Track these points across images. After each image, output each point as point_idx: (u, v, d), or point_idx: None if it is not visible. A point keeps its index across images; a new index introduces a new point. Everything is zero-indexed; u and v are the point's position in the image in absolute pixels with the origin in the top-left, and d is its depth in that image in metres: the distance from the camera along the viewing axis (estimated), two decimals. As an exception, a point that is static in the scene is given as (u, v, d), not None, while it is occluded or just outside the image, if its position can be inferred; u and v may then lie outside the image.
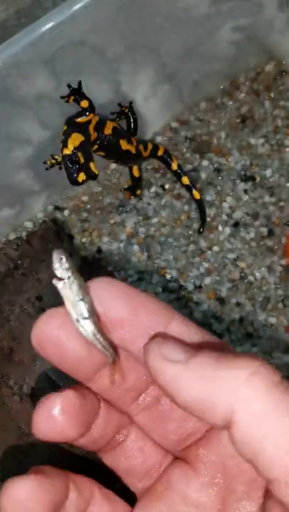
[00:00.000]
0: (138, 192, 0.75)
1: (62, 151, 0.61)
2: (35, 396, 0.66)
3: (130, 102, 0.72)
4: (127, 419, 0.30)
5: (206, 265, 0.73)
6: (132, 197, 0.75)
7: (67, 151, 0.60)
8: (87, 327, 0.26)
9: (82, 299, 0.26)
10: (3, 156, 0.69)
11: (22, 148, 0.71)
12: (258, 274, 0.72)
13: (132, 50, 0.70)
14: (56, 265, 0.27)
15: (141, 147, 0.71)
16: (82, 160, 0.59)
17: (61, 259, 0.27)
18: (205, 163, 0.76)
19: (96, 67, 0.69)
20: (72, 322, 0.26)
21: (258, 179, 0.75)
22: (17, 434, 0.64)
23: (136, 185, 0.75)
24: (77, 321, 0.26)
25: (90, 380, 0.29)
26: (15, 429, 0.65)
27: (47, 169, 0.70)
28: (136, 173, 0.73)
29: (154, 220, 0.74)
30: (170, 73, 0.75)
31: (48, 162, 0.70)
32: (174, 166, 0.73)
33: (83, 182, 0.60)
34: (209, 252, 0.73)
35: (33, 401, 0.65)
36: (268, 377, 0.23)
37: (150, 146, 0.72)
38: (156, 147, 0.73)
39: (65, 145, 0.61)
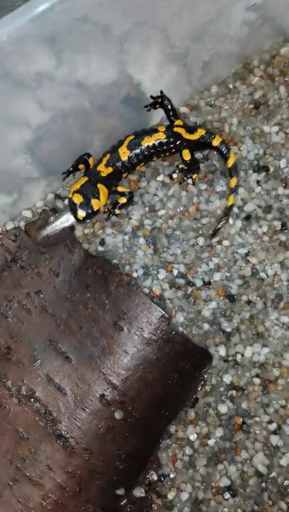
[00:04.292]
0: (194, 176, 0.71)
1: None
2: (35, 399, 0.62)
3: (161, 92, 0.71)
4: None
5: (216, 260, 0.69)
6: (184, 179, 0.71)
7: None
8: None
9: None
10: None
11: (20, 131, 0.66)
12: (270, 271, 0.68)
13: (138, 28, 0.65)
14: None
15: (181, 130, 0.69)
16: (80, 199, 0.65)
17: None
18: (216, 151, 0.71)
19: (100, 46, 0.64)
20: None
21: (271, 170, 0.71)
22: (14, 438, 0.60)
23: (189, 169, 0.71)
24: None
25: None
26: (12, 433, 0.61)
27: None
28: (186, 157, 0.70)
29: (161, 212, 0.70)
30: (178, 53, 0.71)
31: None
32: (215, 142, 0.69)
33: (88, 216, 0.65)
34: (219, 247, 0.69)
35: (33, 403, 0.61)
36: None
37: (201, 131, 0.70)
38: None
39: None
